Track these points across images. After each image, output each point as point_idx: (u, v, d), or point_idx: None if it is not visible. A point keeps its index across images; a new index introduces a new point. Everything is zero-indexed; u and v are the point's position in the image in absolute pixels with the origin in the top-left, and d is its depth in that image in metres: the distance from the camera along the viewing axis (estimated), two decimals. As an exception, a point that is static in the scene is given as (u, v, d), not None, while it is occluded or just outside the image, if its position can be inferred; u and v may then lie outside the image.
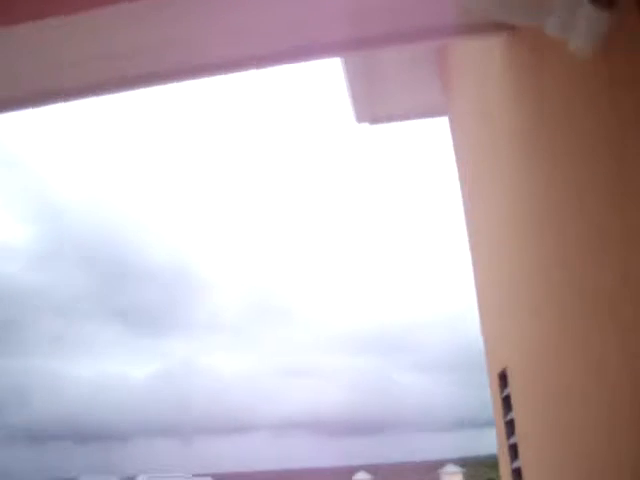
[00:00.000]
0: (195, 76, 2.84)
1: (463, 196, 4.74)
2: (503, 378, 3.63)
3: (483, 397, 4.37)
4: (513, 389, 3.42)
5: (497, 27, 2.62)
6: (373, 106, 5.00)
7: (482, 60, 3.27)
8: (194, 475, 28.96)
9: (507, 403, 3.60)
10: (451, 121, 4.95)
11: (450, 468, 36.76)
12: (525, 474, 3.31)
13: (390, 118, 5.31)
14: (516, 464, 3.50)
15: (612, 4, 1.51)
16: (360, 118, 5.07)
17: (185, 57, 2.74)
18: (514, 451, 3.53)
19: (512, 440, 3.54)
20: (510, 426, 3.57)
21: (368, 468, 40.28)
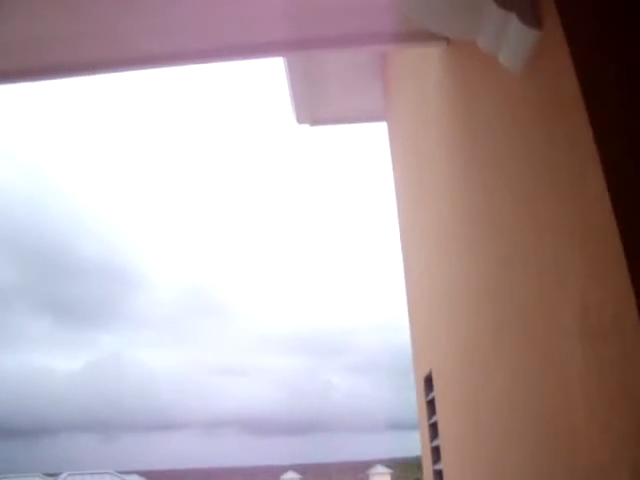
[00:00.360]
0: (132, 68, 2.78)
1: (397, 202, 4.80)
2: (428, 381, 3.71)
3: (413, 400, 4.44)
4: (437, 392, 3.49)
5: (435, 37, 2.67)
6: (314, 108, 5.01)
7: (421, 68, 3.33)
8: (119, 472, 28.34)
9: (432, 406, 3.67)
10: (389, 126, 5.02)
11: (379, 469, 37.20)
12: (446, 476, 3.38)
13: (330, 121, 5.34)
14: (438, 466, 3.57)
15: (540, 23, 1.56)
16: (301, 119, 5.08)
17: (120, 49, 2.68)
18: (437, 453, 3.60)
19: (435, 442, 3.61)
20: (434, 429, 3.65)
21: (297, 468, 40.33)
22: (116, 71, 2.79)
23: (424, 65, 3.17)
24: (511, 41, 1.66)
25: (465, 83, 2.42)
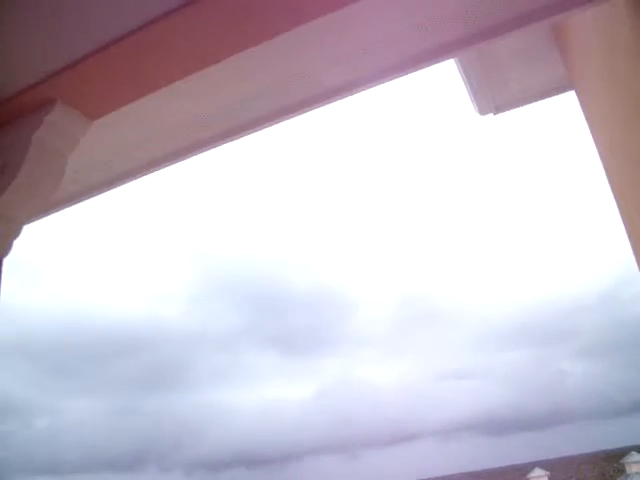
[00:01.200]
0: (317, 105, 2.93)
1: (605, 169, 4.49)
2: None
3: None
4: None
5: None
6: (494, 95, 4.88)
7: (606, 24, 3.12)
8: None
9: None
10: (579, 94, 4.73)
11: (635, 457, 34.37)
12: None
13: (513, 104, 5.15)
14: None
15: None
16: (483, 110, 4.97)
17: (306, 89, 2.84)
18: None
19: None
20: None
21: (543, 464, 38.73)
22: (305, 111, 2.96)
23: (609, 19, 2.97)
24: None
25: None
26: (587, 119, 4.63)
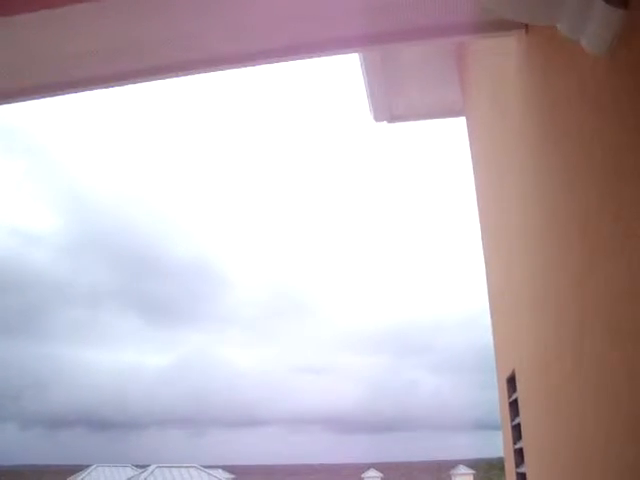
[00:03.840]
0: (208, 69, 2.83)
1: (477, 196, 4.69)
2: (511, 382, 3.60)
3: (497, 399, 4.33)
4: (521, 393, 3.38)
5: (513, 24, 2.58)
6: (392, 105, 4.95)
7: (498, 59, 3.23)
8: (205, 467, 29.12)
9: (515, 407, 3.56)
10: (468, 120, 4.90)
11: (462, 469, 36.56)
12: (530, 479, 3.28)
13: (409, 117, 5.26)
14: (521, 469, 3.46)
15: (625, 2, 1.48)
16: (378, 117, 5.03)
17: (195, 51, 2.73)
18: (520, 455, 3.49)
19: (518, 445, 3.51)
20: (517, 430, 3.53)
21: (379, 466, 40.24)
22: (191, 73, 2.85)
23: (502, 54, 3.07)
24: (594, 23, 1.57)
25: (545, 70, 2.32)
26: (470, 146, 4.82)
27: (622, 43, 1.52)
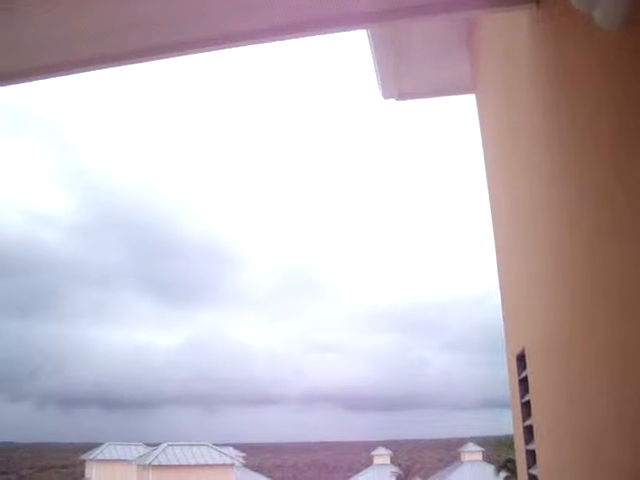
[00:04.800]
0: (215, 48, 2.81)
1: (487, 174, 4.66)
2: (521, 359, 3.60)
3: (506, 377, 4.34)
4: (530, 371, 3.38)
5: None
6: (400, 82, 4.91)
7: (509, 34, 3.18)
8: (216, 445, 29.46)
9: (524, 385, 3.56)
10: (478, 97, 4.85)
11: (470, 447, 36.86)
12: (539, 456, 3.29)
13: (417, 94, 5.22)
14: (531, 446, 3.47)
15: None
16: (387, 94, 4.99)
17: (204, 28, 2.71)
18: (529, 433, 3.50)
19: (528, 422, 3.52)
20: (526, 408, 3.54)
21: (388, 444, 40.65)
22: (197, 52, 2.82)
23: (513, 30, 3.03)
24: (608, -4, 1.54)
25: (557, 45, 2.29)
26: (480, 124, 4.77)
27: (635, 17, 1.50)
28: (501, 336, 4.46)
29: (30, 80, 2.88)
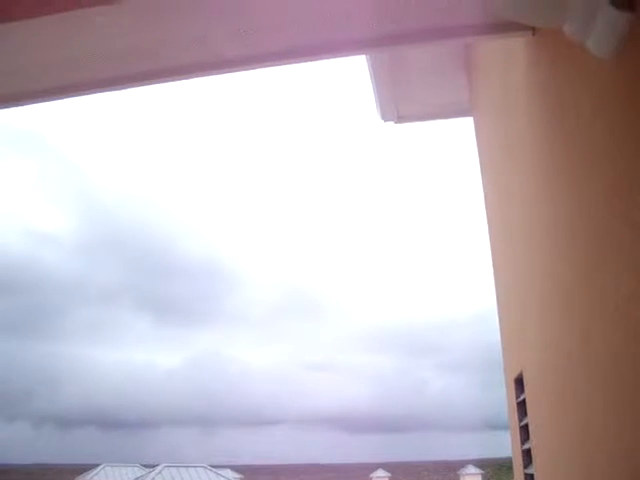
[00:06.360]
0: (215, 72, 2.84)
1: (485, 197, 4.69)
2: (519, 382, 3.60)
3: (505, 399, 4.33)
4: (528, 394, 3.38)
5: (521, 26, 2.59)
6: (399, 105, 4.96)
7: (506, 60, 3.23)
8: (213, 466, 29.18)
9: (522, 408, 3.56)
10: (475, 121, 4.90)
11: (470, 469, 36.51)
12: (538, 480, 3.28)
13: (416, 117, 5.27)
14: (529, 470, 3.46)
15: (632, 5, 1.48)
16: (386, 117, 5.04)
17: (205, 54, 2.75)
18: (528, 456, 3.49)
19: (526, 445, 3.51)
20: (525, 431, 3.54)
21: (387, 466, 40.21)
22: (199, 76, 2.86)
23: (509, 56, 3.08)
24: (600, 25, 1.58)
25: (552, 73, 2.33)
26: (477, 147, 4.82)
27: (628, 46, 1.53)
28: (501, 357, 4.46)
29: (32, 103, 2.91)
